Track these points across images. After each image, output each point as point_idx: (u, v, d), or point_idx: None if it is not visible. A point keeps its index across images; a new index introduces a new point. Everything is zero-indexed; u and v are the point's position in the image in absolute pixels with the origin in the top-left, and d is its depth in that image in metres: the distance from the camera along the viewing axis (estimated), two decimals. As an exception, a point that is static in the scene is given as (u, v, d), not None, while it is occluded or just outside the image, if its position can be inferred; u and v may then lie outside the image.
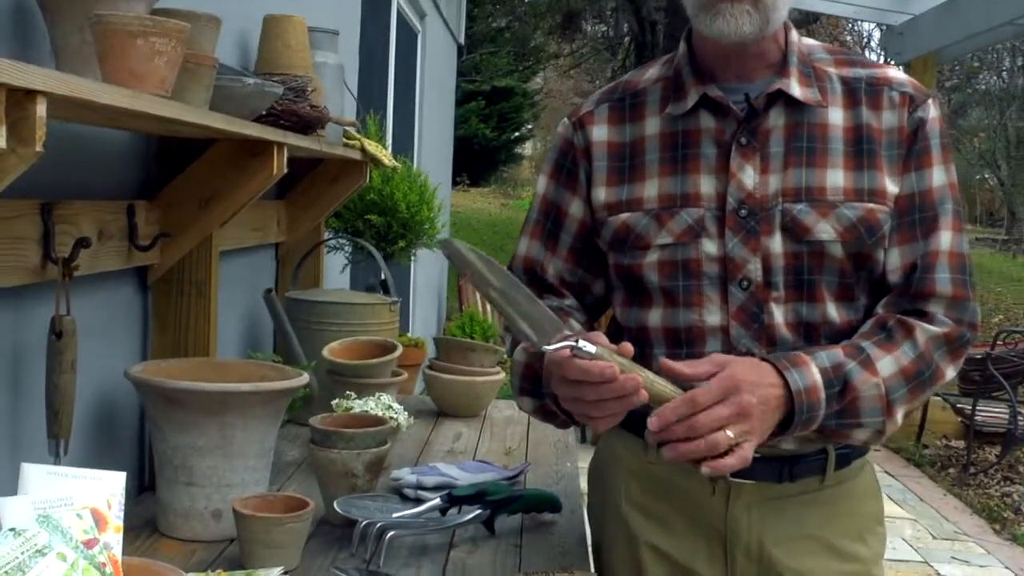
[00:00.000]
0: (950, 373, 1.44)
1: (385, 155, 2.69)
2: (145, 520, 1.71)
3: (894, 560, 4.57)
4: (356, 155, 2.61)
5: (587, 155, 1.52)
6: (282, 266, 2.81)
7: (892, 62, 7.12)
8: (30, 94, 0.96)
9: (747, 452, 1.27)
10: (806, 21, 13.87)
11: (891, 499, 5.53)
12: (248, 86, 1.73)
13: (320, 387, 2.22)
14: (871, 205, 1.41)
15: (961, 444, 6.51)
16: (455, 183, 16.34)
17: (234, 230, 2.19)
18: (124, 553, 1.29)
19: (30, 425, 1.51)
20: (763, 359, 1.35)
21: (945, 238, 1.43)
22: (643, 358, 1.37)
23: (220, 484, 1.64)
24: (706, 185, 1.43)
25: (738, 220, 1.41)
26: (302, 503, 1.56)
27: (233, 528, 1.55)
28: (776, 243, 1.41)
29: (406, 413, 2.04)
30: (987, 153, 22.24)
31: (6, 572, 1.10)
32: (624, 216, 1.47)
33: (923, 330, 1.40)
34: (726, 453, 1.26)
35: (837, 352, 1.37)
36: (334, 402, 2.02)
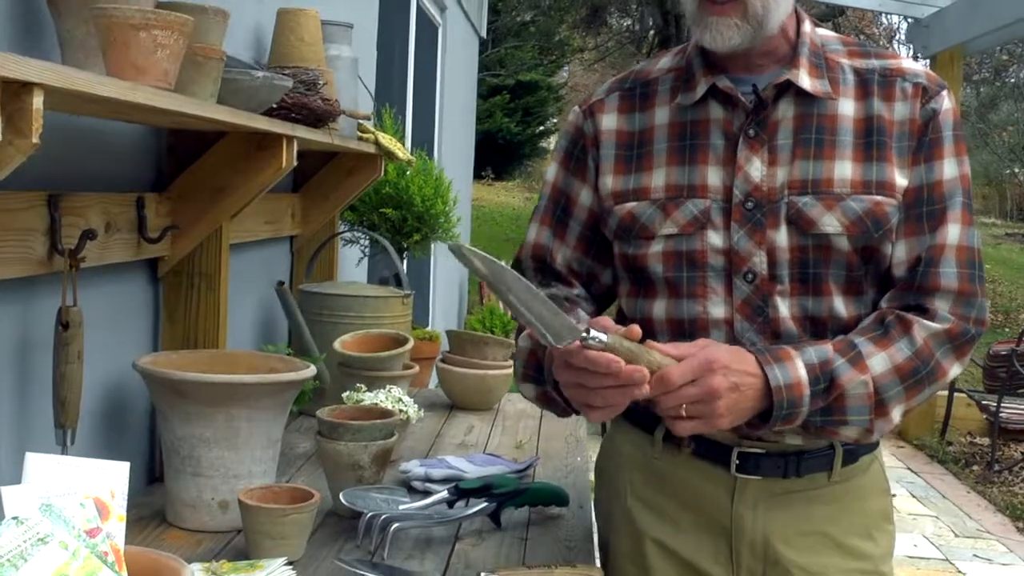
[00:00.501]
0: (954, 370, 1.41)
1: (399, 148, 2.69)
2: (154, 510, 1.73)
3: (915, 557, 4.53)
4: (370, 148, 2.62)
5: (596, 143, 1.51)
6: (297, 259, 2.82)
7: (917, 55, 7.05)
8: (27, 86, 0.97)
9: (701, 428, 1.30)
10: (832, 15, 13.75)
11: (913, 496, 5.49)
12: (257, 79, 1.74)
13: (331, 380, 2.23)
14: (878, 198, 1.39)
15: (986, 441, 6.45)
16: (480, 177, 16.36)
17: (246, 223, 2.20)
18: (132, 542, 1.31)
19: (38, 415, 1.52)
20: (748, 351, 1.34)
21: (953, 231, 1.40)
22: None
23: (227, 475, 1.65)
24: (713, 176, 1.42)
25: (744, 212, 1.41)
26: (307, 494, 1.56)
27: (240, 519, 1.56)
28: (782, 236, 1.40)
29: (416, 406, 2.05)
30: (1017, 147, 21.97)
31: (8, 560, 1.11)
32: (630, 205, 1.46)
33: (922, 327, 1.37)
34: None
35: (826, 348, 1.35)
36: (344, 394, 2.03)
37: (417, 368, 2.31)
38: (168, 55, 1.27)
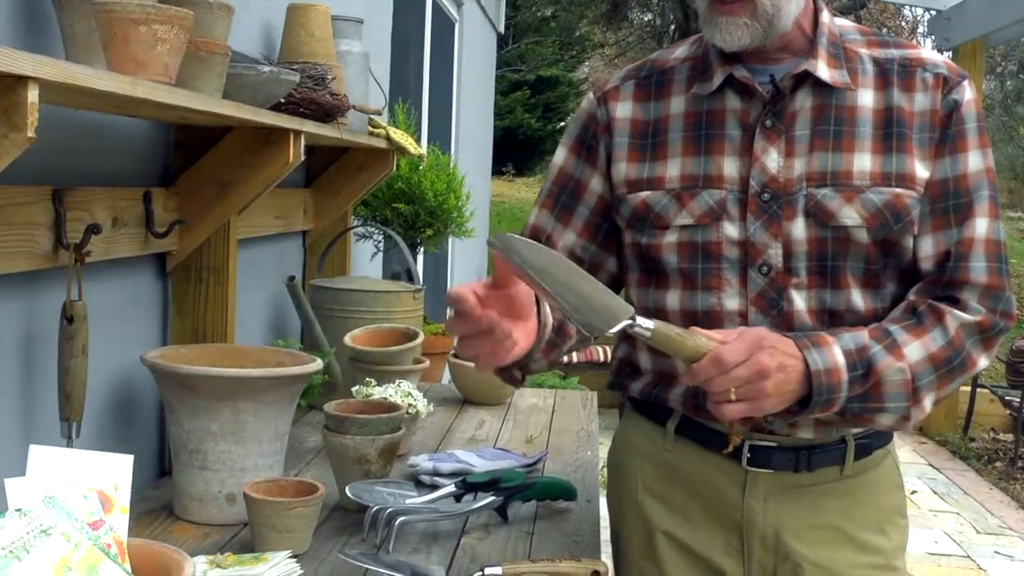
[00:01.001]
0: (982, 362, 1.40)
1: (411, 143, 2.69)
2: (163, 504, 1.74)
3: (936, 554, 4.49)
4: (381, 143, 2.62)
5: (608, 130, 1.50)
6: (310, 254, 2.83)
7: (940, 48, 6.98)
8: (22, 80, 0.97)
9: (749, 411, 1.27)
10: (854, 7, 13.65)
11: (935, 492, 5.45)
12: (263, 74, 1.74)
13: (342, 374, 2.23)
14: (899, 190, 1.38)
15: (1009, 437, 6.39)
16: (500, 173, 16.34)
17: (256, 217, 2.21)
18: (140, 535, 1.31)
19: (43, 408, 1.53)
20: (785, 334, 1.33)
21: (981, 225, 1.40)
22: None
23: (234, 468, 1.66)
24: (729, 167, 1.41)
25: (760, 204, 1.39)
26: (312, 488, 1.56)
27: (246, 512, 1.56)
28: (799, 228, 1.39)
29: (426, 400, 2.04)
30: (1044, 141, 21.71)
31: (10, 552, 1.12)
32: (644, 194, 1.45)
33: (954, 317, 1.37)
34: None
35: (862, 334, 1.35)
36: (354, 388, 2.03)
37: (427, 362, 2.31)
38: (168, 49, 1.27)
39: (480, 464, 1.95)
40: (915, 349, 1.35)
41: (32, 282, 1.50)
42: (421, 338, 2.28)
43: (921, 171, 1.39)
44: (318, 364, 1.73)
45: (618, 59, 22.88)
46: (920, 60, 1.43)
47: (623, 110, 1.50)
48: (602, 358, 6.66)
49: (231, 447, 1.65)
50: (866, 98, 1.41)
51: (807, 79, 1.41)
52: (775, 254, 1.39)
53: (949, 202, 1.40)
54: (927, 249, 1.40)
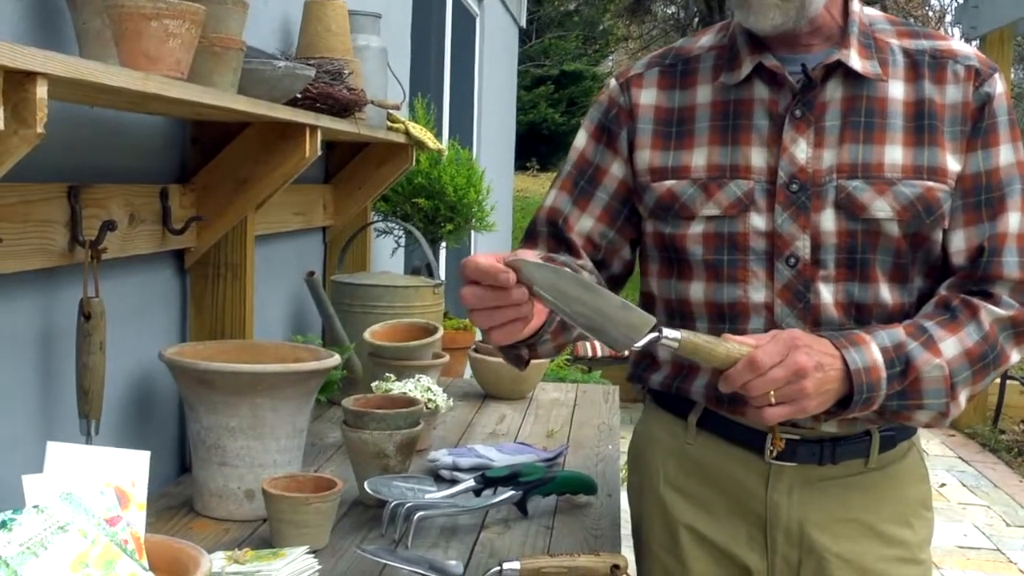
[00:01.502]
0: (1015, 357, 1.39)
1: (429, 138, 2.68)
2: (183, 500, 1.74)
3: (965, 547, 4.45)
4: (400, 138, 2.61)
5: (631, 117, 1.48)
6: (330, 250, 2.83)
7: (967, 36, 6.90)
8: (30, 76, 0.97)
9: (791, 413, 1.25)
10: (880, -4, 13.51)
11: (964, 485, 5.39)
12: (278, 69, 1.74)
13: (363, 370, 2.23)
14: (930, 183, 1.36)
15: (1040, 429, 6.31)
16: (524, 168, 16.32)
17: (274, 213, 2.21)
18: (160, 532, 1.31)
19: (62, 405, 1.54)
20: (821, 334, 1.32)
21: (1014, 220, 1.38)
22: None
23: (253, 464, 1.66)
24: (757, 157, 1.40)
25: (788, 195, 1.38)
26: (330, 483, 1.56)
27: (265, 508, 1.56)
28: (828, 220, 1.37)
29: (445, 395, 2.04)
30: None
31: (28, 548, 1.12)
32: (669, 183, 1.44)
33: (988, 311, 1.35)
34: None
35: (898, 331, 1.33)
36: (374, 384, 2.03)
37: (447, 357, 2.30)
38: (180, 44, 1.27)
39: (499, 458, 1.94)
40: (951, 345, 1.33)
41: (49, 279, 1.50)
42: (441, 333, 2.27)
43: (953, 164, 1.38)
44: (336, 360, 1.73)
45: (642, 52, 22.79)
46: (951, 52, 1.41)
47: (647, 97, 1.48)
48: (626, 352, 6.63)
49: (250, 443, 1.65)
50: (897, 90, 1.39)
51: (838, 69, 1.39)
52: (803, 246, 1.37)
53: (981, 196, 1.38)
54: (959, 244, 1.39)
